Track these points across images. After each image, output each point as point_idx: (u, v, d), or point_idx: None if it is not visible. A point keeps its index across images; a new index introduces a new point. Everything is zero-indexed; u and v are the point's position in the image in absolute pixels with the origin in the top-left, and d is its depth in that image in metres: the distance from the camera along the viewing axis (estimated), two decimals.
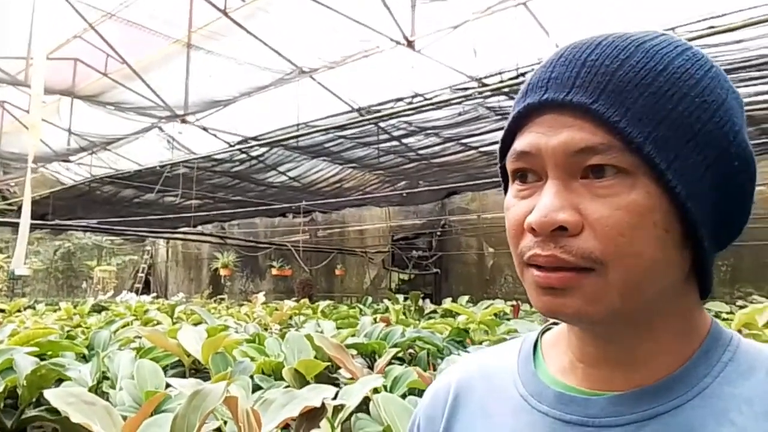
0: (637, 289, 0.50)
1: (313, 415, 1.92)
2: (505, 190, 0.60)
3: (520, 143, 0.53)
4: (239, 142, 9.00)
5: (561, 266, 0.50)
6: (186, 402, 1.73)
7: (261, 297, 7.36)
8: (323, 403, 1.91)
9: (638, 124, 0.48)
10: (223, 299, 10.48)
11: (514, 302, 6.10)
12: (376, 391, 2.31)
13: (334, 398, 2.06)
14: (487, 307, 5.21)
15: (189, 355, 3.16)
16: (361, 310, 6.99)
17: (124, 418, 2.18)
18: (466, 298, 6.89)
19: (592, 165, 0.49)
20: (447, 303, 6.66)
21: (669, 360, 0.54)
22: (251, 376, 2.84)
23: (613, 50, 0.50)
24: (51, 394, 2.06)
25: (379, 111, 7.42)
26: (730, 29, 3.65)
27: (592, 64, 0.50)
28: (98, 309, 7.00)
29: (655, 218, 0.49)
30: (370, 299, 8.79)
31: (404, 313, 6.26)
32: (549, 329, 0.67)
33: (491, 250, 10.43)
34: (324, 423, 2.02)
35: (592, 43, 0.52)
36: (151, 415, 2.12)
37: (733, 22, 4.47)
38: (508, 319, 5.04)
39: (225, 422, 2.13)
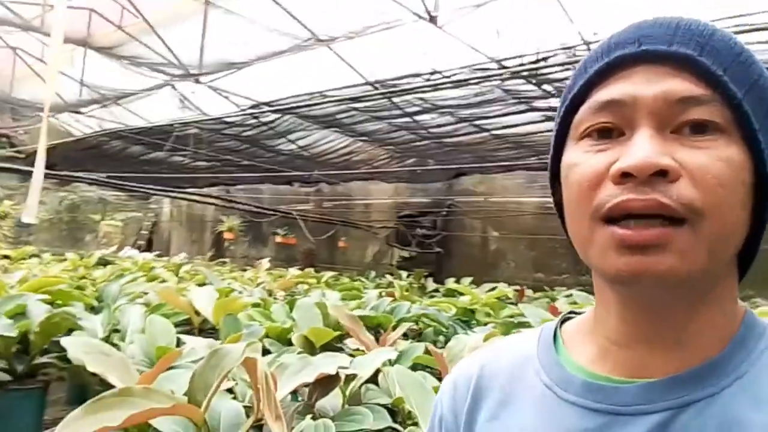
0: (723, 248, 0.50)
1: (326, 382, 1.95)
2: (556, 151, 0.59)
3: (609, 92, 0.52)
4: (251, 107, 8.93)
5: (658, 214, 0.48)
6: (205, 360, 1.76)
7: (266, 263, 7.39)
8: (337, 372, 1.93)
9: (736, 82, 0.50)
10: (225, 263, 10.53)
11: (519, 287, 6.13)
12: (386, 363, 2.33)
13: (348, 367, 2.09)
14: (491, 290, 5.24)
15: (198, 315, 3.19)
16: (363, 283, 7.03)
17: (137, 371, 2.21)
18: (470, 279, 6.92)
19: (690, 120, 0.50)
20: (450, 282, 6.71)
21: (708, 343, 0.53)
22: (260, 340, 2.88)
23: (701, 22, 0.53)
24: (68, 342, 2.09)
25: (394, 85, 7.34)
26: (760, 28, 3.59)
27: (687, 27, 0.52)
28: (103, 263, 7.04)
29: (744, 177, 0.50)
30: (373, 273, 8.82)
31: (407, 290, 6.30)
32: (568, 318, 0.66)
33: (495, 234, 10.44)
34: (336, 391, 2.05)
35: (676, 16, 0.54)
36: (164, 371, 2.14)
37: (764, 22, 4.40)
38: (512, 304, 5.07)
39: (236, 383, 2.16)
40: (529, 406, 0.59)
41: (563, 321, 0.66)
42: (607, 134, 0.52)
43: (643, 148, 0.48)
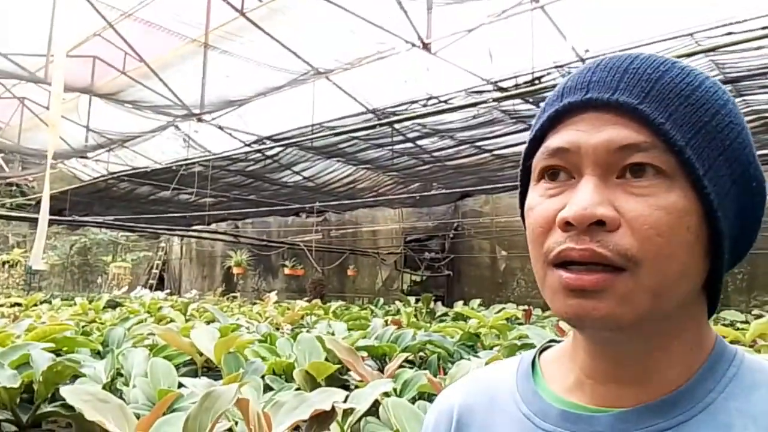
0: (666, 293, 0.50)
1: (323, 418, 1.94)
2: (523, 192, 0.60)
3: (557, 140, 0.54)
4: (254, 142, 9.05)
5: (595, 262, 0.49)
6: (198, 403, 1.76)
7: (273, 296, 7.40)
8: (333, 407, 1.92)
9: (680, 128, 0.50)
10: (235, 297, 10.55)
11: (526, 307, 6.07)
12: (386, 395, 2.32)
13: (344, 401, 2.08)
14: (498, 311, 5.20)
15: (201, 354, 3.19)
16: (372, 311, 7.00)
17: (138, 416, 2.21)
18: (478, 301, 6.87)
19: (632, 164, 0.50)
20: (459, 306, 6.67)
21: (676, 374, 0.54)
22: (262, 377, 2.87)
23: (653, 62, 0.53)
24: (67, 391, 2.10)
25: (394, 113, 7.42)
26: (748, 39, 3.61)
27: (635, 71, 0.52)
28: (113, 305, 7.09)
29: (689, 222, 0.50)
30: (381, 300, 8.79)
31: (415, 316, 6.27)
32: (547, 348, 0.66)
33: (504, 253, 10.39)
34: (334, 426, 2.03)
35: (631, 56, 0.54)
36: (164, 414, 2.14)
37: (752, 28, 4.42)
38: (520, 324, 5.02)
39: (236, 423, 2.15)
40: None
41: (542, 350, 0.66)
42: (558, 176, 0.54)
43: (583, 198, 0.49)
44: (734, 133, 0.53)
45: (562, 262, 0.51)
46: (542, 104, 0.59)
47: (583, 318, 0.50)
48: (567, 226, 0.50)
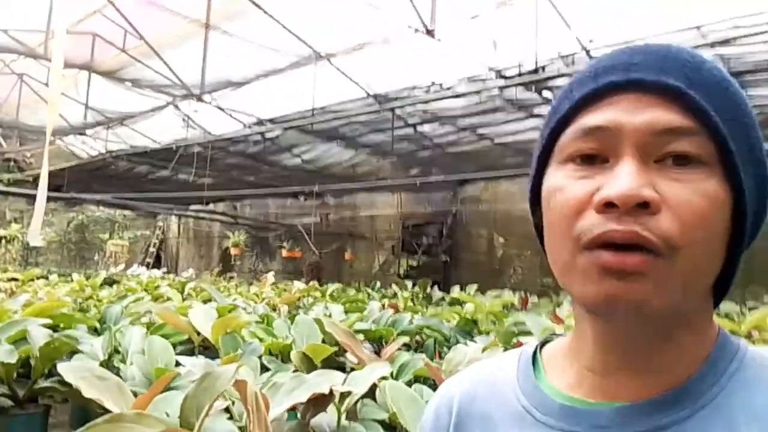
0: (697, 281, 0.50)
1: (320, 400, 1.95)
2: (537, 174, 0.58)
3: (594, 119, 0.52)
4: (254, 124, 9.01)
5: (638, 244, 0.47)
6: (197, 383, 1.76)
7: (270, 277, 7.41)
8: (331, 390, 1.93)
9: (723, 118, 0.50)
10: (232, 277, 10.56)
11: (524, 294, 6.09)
12: (383, 378, 2.33)
13: (342, 384, 2.09)
14: (496, 297, 5.22)
15: (199, 334, 3.20)
16: (369, 294, 7.02)
17: (135, 393, 2.22)
18: (475, 286, 6.88)
19: (674, 151, 0.49)
20: (455, 291, 6.69)
21: (680, 368, 0.53)
22: (259, 357, 2.88)
23: (690, 52, 0.53)
24: (64, 368, 2.11)
25: (395, 98, 7.38)
26: (757, 33, 3.58)
27: (676, 57, 0.52)
28: (110, 282, 7.09)
29: (723, 212, 0.49)
30: (378, 284, 8.80)
31: (412, 300, 6.29)
32: (548, 341, 0.66)
33: (501, 240, 10.41)
34: (330, 408, 2.05)
35: (664, 44, 0.54)
36: (161, 392, 2.15)
37: (760, 22, 4.40)
38: (517, 311, 5.04)
39: (233, 402, 2.16)
40: (508, 430, 0.59)
41: (543, 344, 0.66)
42: (590, 160, 0.52)
43: (627, 179, 0.48)
44: (755, 129, 0.53)
45: (603, 245, 0.49)
46: (565, 86, 0.57)
47: (617, 301, 0.48)
48: (605, 207, 0.48)
